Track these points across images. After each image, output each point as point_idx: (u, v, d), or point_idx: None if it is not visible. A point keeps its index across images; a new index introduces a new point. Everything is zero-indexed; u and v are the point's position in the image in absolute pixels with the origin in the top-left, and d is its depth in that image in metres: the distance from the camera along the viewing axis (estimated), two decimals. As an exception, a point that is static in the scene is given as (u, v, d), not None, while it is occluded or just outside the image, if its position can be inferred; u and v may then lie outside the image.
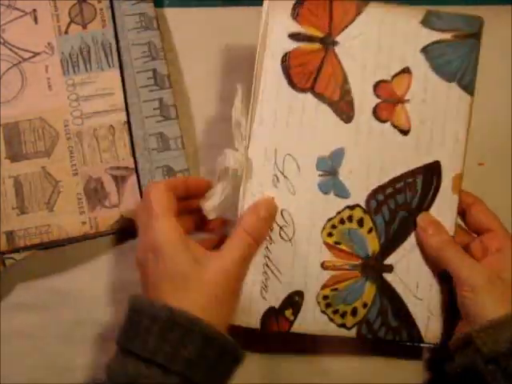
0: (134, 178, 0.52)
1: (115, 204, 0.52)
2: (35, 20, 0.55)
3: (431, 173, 0.47)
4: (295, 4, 0.46)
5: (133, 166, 0.53)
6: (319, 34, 0.46)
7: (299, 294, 0.46)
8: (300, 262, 0.46)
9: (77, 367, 0.51)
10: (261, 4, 0.58)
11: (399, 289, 0.47)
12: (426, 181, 0.47)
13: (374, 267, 0.47)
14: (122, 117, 0.53)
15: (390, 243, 0.47)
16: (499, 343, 0.41)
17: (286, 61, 0.46)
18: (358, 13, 0.47)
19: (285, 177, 0.46)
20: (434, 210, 0.47)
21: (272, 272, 0.46)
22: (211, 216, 0.46)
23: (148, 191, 0.44)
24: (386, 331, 0.47)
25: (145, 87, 0.54)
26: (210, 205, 0.46)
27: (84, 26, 0.55)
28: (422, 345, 0.47)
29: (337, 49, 0.46)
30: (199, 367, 0.40)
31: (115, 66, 0.54)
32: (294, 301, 0.46)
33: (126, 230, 0.52)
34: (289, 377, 0.51)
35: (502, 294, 0.43)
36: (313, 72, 0.46)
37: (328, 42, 0.46)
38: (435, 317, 0.47)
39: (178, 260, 0.42)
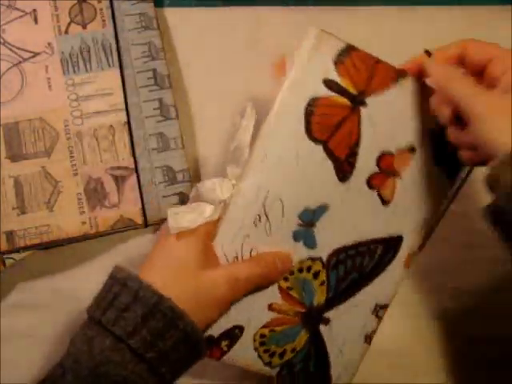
0: (134, 177, 0.52)
1: (115, 204, 0.52)
2: (35, 20, 0.55)
3: (392, 245, 0.48)
4: (342, 51, 0.45)
5: (133, 165, 0.53)
6: (353, 91, 0.45)
7: (240, 329, 0.47)
8: (249, 299, 0.46)
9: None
10: (261, 4, 0.58)
11: (328, 341, 0.48)
12: (385, 250, 0.48)
13: (314, 317, 0.48)
14: (122, 117, 0.53)
15: (335, 299, 0.48)
16: None
17: (312, 105, 0.45)
18: (396, 81, 0.46)
19: (267, 218, 0.46)
20: (382, 278, 0.49)
21: None
22: (173, 231, 0.44)
23: None
24: (304, 376, 0.49)
25: (145, 87, 0.54)
26: (175, 224, 0.43)
27: (84, 26, 0.55)
28: None
29: (363, 110, 0.46)
30: (169, 360, 0.40)
31: (115, 66, 0.54)
32: (233, 333, 0.47)
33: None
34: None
35: None
36: (331, 127, 0.45)
37: (357, 101, 0.45)
38: (348, 372, 0.49)
39: (188, 254, 0.43)
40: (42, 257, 0.53)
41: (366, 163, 0.46)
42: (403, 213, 0.48)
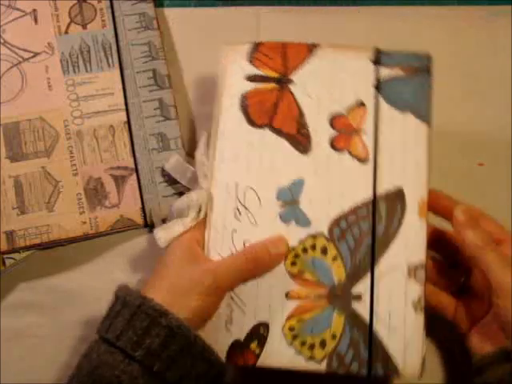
0: (133, 177, 0.52)
1: (115, 204, 0.52)
2: (35, 20, 0.55)
3: (395, 200, 0.47)
4: (251, 49, 0.49)
5: (133, 166, 0.53)
6: (274, 75, 0.49)
7: (264, 326, 0.45)
8: (264, 293, 0.46)
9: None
10: (260, 4, 0.58)
11: (369, 319, 0.45)
12: (390, 208, 0.46)
13: (342, 296, 0.45)
14: (122, 117, 0.53)
15: (357, 271, 0.46)
16: None
17: (244, 100, 0.48)
18: (310, 53, 0.49)
19: (246, 209, 0.47)
20: (401, 236, 0.46)
21: (236, 303, 0.46)
22: (162, 245, 0.46)
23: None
24: (359, 365, 0.44)
25: (145, 87, 0.54)
26: (163, 237, 0.46)
27: (84, 26, 0.55)
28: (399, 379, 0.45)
29: (292, 87, 0.48)
30: (160, 358, 0.40)
31: (115, 66, 0.54)
32: (259, 333, 0.45)
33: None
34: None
35: None
36: (269, 109, 0.48)
37: (283, 81, 0.49)
38: (413, 348, 0.44)
39: (174, 255, 0.45)
40: (42, 257, 0.53)
41: (320, 130, 0.48)
42: (387, 164, 0.47)
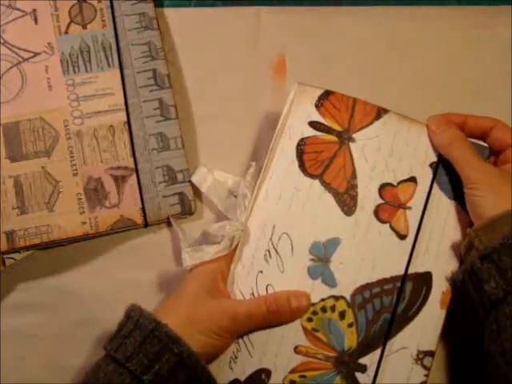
0: (133, 177, 0.52)
1: (115, 204, 0.52)
2: (35, 20, 0.55)
3: (422, 282, 0.47)
4: (321, 95, 0.49)
5: (133, 166, 0.53)
6: (338, 128, 0.49)
7: (266, 373, 0.45)
8: (274, 341, 0.46)
9: (77, 367, 0.51)
10: (260, 4, 0.58)
11: None
12: (415, 289, 0.46)
13: (348, 363, 0.45)
14: (122, 117, 0.53)
15: (369, 343, 0.46)
16: (493, 240, 0.41)
17: (302, 145, 0.48)
18: (378, 117, 0.49)
19: (277, 253, 0.47)
20: (418, 320, 0.46)
21: (245, 344, 0.46)
22: (187, 267, 0.46)
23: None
24: None
25: (145, 87, 0.54)
26: (190, 260, 0.46)
27: (84, 26, 0.55)
28: None
29: (352, 145, 0.49)
30: None
31: (115, 66, 0.54)
32: (260, 378, 0.45)
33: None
34: None
35: (507, 191, 0.43)
36: (325, 161, 0.48)
37: (344, 137, 0.49)
38: None
39: (196, 284, 0.45)
40: (42, 257, 0.53)
41: (368, 196, 0.48)
42: (424, 246, 0.47)
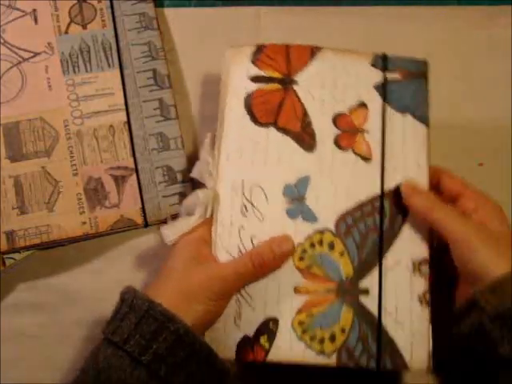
0: (133, 177, 0.52)
1: (115, 204, 0.52)
2: (35, 20, 0.55)
3: (398, 197, 0.48)
4: (255, 51, 0.50)
5: (133, 166, 0.53)
6: (278, 76, 0.50)
7: (274, 321, 0.45)
8: (272, 288, 0.46)
9: (77, 367, 0.51)
10: (260, 4, 0.58)
11: (377, 313, 0.46)
12: (394, 204, 0.48)
13: (350, 291, 0.46)
14: (122, 117, 0.53)
15: (364, 266, 0.47)
16: (503, 300, 0.41)
17: (249, 100, 0.49)
18: (313, 56, 0.50)
19: (253, 205, 0.47)
20: (405, 232, 0.47)
21: (244, 299, 0.46)
22: (169, 242, 0.47)
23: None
24: (368, 359, 0.45)
25: (145, 87, 0.54)
26: (170, 234, 0.46)
27: (84, 26, 0.55)
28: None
29: (296, 87, 0.49)
30: (167, 363, 0.40)
31: (115, 66, 0.54)
32: (268, 328, 0.45)
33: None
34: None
35: (498, 247, 0.43)
36: (274, 108, 0.49)
37: (287, 82, 0.50)
38: (420, 341, 0.45)
39: (182, 256, 0.45)
40: (42, 257, 0.53)
41: (324, 129, 0.49)
42: (390, 163, 0.48)
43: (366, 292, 0.46)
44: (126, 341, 0.41)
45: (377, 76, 0.50)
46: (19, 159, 0.52)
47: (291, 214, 0.47)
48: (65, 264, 0.53)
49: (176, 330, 0.41)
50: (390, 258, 0.47)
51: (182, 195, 0.52)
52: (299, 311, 0.46)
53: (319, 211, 0.47)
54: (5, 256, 0.51)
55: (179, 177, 0.53)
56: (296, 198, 0.47)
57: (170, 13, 0.58)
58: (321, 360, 0.45)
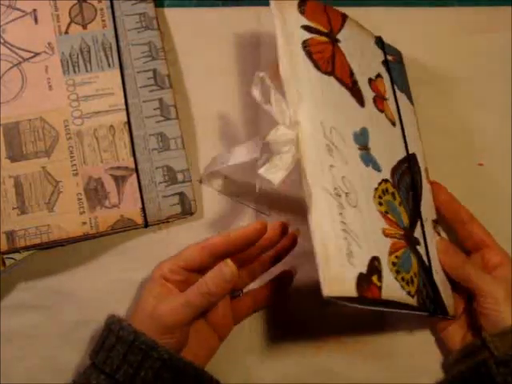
0: (133, 177, 0.52)
1: (115, 204, 0.52)
2: (35, 20, 0.55)
3: (414, 162, 0.51)
4: (299, 2, 0.49)
5: (133, 166, 0.53)
6: (324, 30, 0.50)
7: (377, 260, 0.44)
8: (368, 228, 0.45)
9: (76, 367, 0.51)
10: (260, 4, 0.58)
11: (428, 261, 0.48)
12: (412, 167, 0.51)
13: (411, 239, 0.48)
14: (122, 117, 0.53)
15: (413, 218, 0.49)
16: (509, 347, 0.44)
17: (307, 47, 0.48)
18: (344, 21, 0.52)
19: (335, 147, 0.45)
20: (423, 196, 0.50)
21: (351, 237, 0.43)
22: (277, 185, 0.43)
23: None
24: (429, 304, 0.47)
25: (145, 87, 0.54)
26: (276, 176, 0.43)
27: (84, 26, 0.55)
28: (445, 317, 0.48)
29: (339, 44, 0.50)
30: None
31: (115, 66, 0.54)
32: (375, 266, 0.43)
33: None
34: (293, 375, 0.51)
35: None
36: (330, 59, 0.49)
37: (332, 38, 0.50)
38: (449, 291, 0.49)
39: (146, 297, 0.46)
40: (42, 257, 0.53)
41: (365, 89, 0.50)
42: (407, 131, 0.52)
43: (418, 242, 0.48)
44: (116, 371, 0.44)
45: (381, 55, 0.54)
46: (19, 159, 0.52)
47: (365, 160, 0.47)
48: (65, 264, 0.53)
49: (160, 357, 0.43)
50: (422, 215, 0.49)
51: (182, 195, 0.52)
52: (390, 252, 0.45)
53: (381, 162, 0.48)
54: (5, 256, 0.51)
55: (179, 177, 0.53)
56: (364, 146, 0.47)
57: (170, 13, 0.58)
58: (409, 300, 0.45)
